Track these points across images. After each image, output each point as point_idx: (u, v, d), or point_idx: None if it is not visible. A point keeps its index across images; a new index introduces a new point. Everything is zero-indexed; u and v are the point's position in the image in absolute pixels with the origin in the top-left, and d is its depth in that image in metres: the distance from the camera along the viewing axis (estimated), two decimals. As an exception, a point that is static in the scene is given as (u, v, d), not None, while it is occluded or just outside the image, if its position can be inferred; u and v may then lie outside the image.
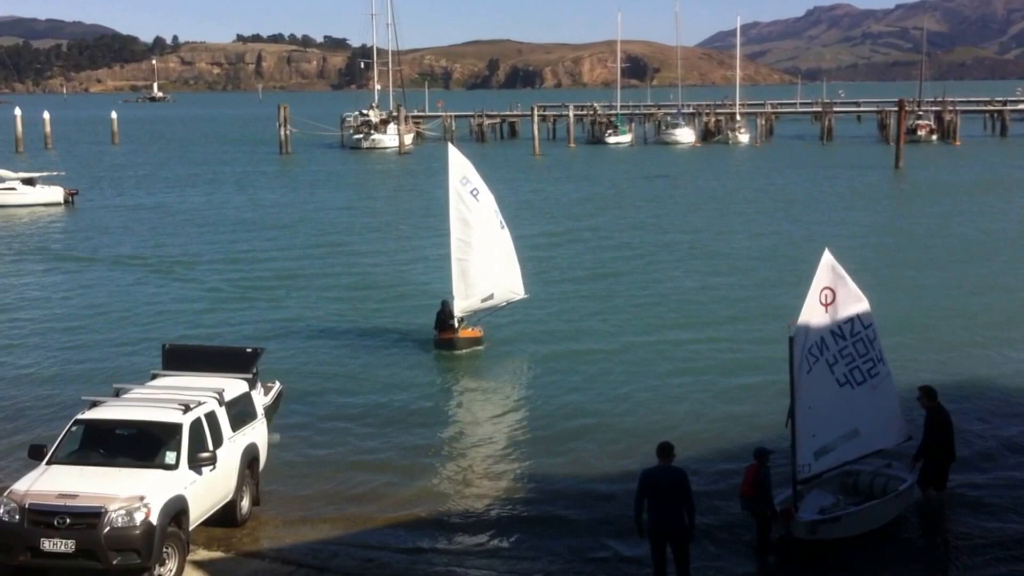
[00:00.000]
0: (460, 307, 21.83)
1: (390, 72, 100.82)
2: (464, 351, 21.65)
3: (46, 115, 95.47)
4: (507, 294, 22.18)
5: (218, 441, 12.75)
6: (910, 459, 13.57)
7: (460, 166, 21.87)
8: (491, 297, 22.01)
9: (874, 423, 13.05)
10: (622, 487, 13.59)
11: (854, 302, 12.94)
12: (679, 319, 24.96)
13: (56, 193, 51.18)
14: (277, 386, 15.98)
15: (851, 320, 12.85)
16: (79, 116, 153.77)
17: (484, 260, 21.70)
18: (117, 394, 13.43)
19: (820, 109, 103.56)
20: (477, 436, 17.27)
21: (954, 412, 16.91)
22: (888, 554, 12.50)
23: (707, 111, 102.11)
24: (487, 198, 21.83)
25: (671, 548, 11.02)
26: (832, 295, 12.69)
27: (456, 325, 21.78)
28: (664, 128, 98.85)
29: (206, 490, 12.35)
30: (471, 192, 21.68)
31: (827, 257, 12.88)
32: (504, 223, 22.09)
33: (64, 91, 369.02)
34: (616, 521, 13.06)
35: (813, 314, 12.59)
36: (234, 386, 13.72)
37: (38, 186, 51.32)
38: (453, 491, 14.73)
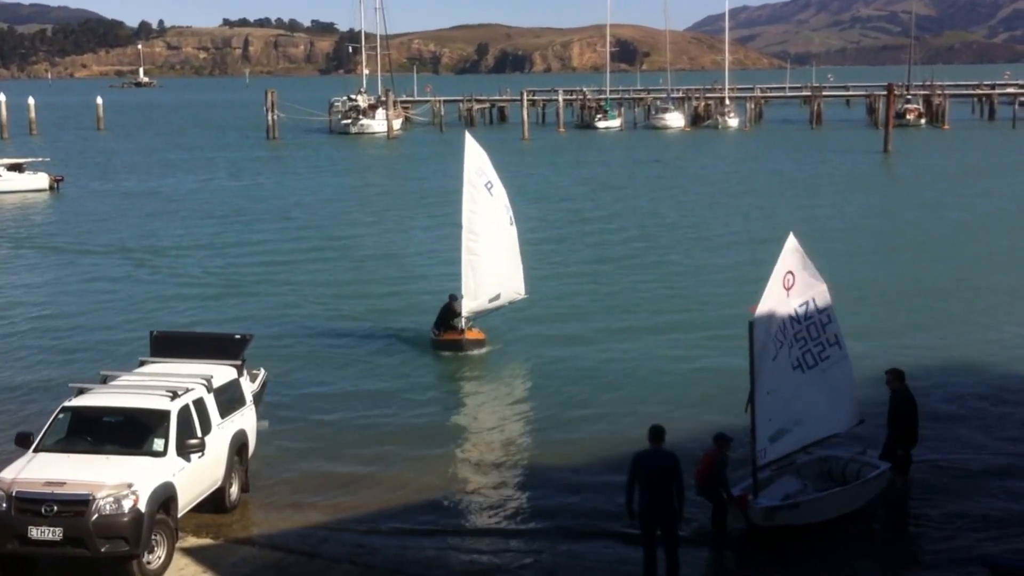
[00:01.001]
0: (468, 307, 20.61)
1: (378, 57, 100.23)
2: (470, 353, 20.43)
3: (31, 101, 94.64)
4: (511, 294, 21.29)
5: (206, 428, 12.70)
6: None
7: (476, 157, 20.60)
8: (497, 297, 20.99)
9: (824, 408, 12.98)
10: (617, 477, 13.58)
11: (812, 286, 12.89)
12: (680, 307, 24.69)
13: (41, 180, 50.82)
14: (262, 373, 15.84)
15: (806, 303, 12.81)
16: (64, 102, 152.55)
17: (493, 258, 20.63)
18: (104, 381, 13.37)
19: (809, 93, 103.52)
20: (468, 424, 17.27)
21: (923, 390, 17.09)
22: (849, 542, 12.35)
23: (697, 95, 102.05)
24: (500, 192, 20.75)
25: (661, 532, 11.04)
26: (793, 279, 12.64)
27: (462, 326, 20.58)
28: (654, 113, 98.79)
29: (195, 477, 12.31)
30: (485, 185, 20.51)
31: (791, 241, 12.77)
32: (514, 219, 21.04)
33: (49, 76, 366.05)
34: (609, 506, 13.06)
35: (777, 298, 12.51)
36: (222, 373, 13.66)
37: (24, 173, 50.92)
38: (443, 477, 14.72)
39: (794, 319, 12.66)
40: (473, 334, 20.67)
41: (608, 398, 17.92)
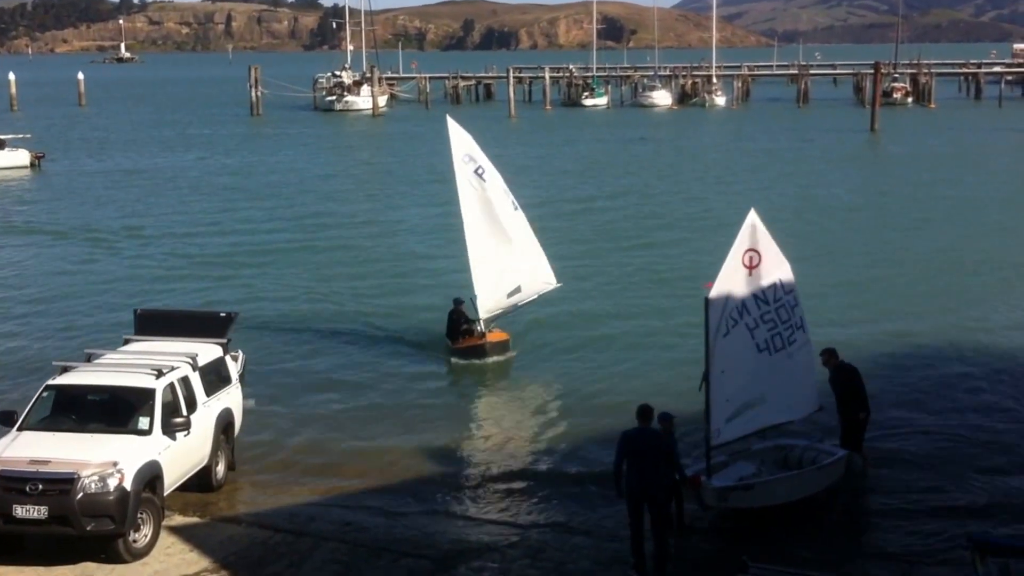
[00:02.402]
0: (486, 307, 18.66)
1: (363, 33, 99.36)
2: (494, 359, 18.59)
3: (11, 76, 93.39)
4: (538, 285, 19.29)
5: (192, 406, 12.64)
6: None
7: (462, 142, 18.70)
8: (518, 290, 19.03)
9: (785, 392, 12.66)
10: (607, 457, 13.59)
11: (777, 266, 12.52)
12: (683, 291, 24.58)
13: (23, 156, 50.29)
14: (241, 355, 15.60)
15: (775, 285, 12.44)
16: (46, 77, 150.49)
17: (502, 249, 18.70)
18: (89, 359, 13.28)
19: (796, 72, 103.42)
20: (458, 405, 17.21)
21: (906, 371, 17.18)
22: (807, 524, 12.33)
23: (684, 73, 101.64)
24: (494, 176, 18.84)
25: (648, 510, 11.09)
26: (757, 257, 12.25)
27: (479, 330, 18.70)
28: (641, 90, 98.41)
29: (181, 455, 12.26)
30: (476, 172, 18.62)
31: (752, 218, 12.39)
32: (517, 203, 19.18)
33: (30, 52, 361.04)
34: (598, 487, 13.04)
35: (736, 276, 12.16)
36: (208, 351, 13.59)
37: (5, 149, 50.35)
38: (432, 457, 14.70)
39: (760, 300, 12.30)
40: (495, 336, 18.85)
41: (604, 383, 17.74)
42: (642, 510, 11.07)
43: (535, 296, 19.42)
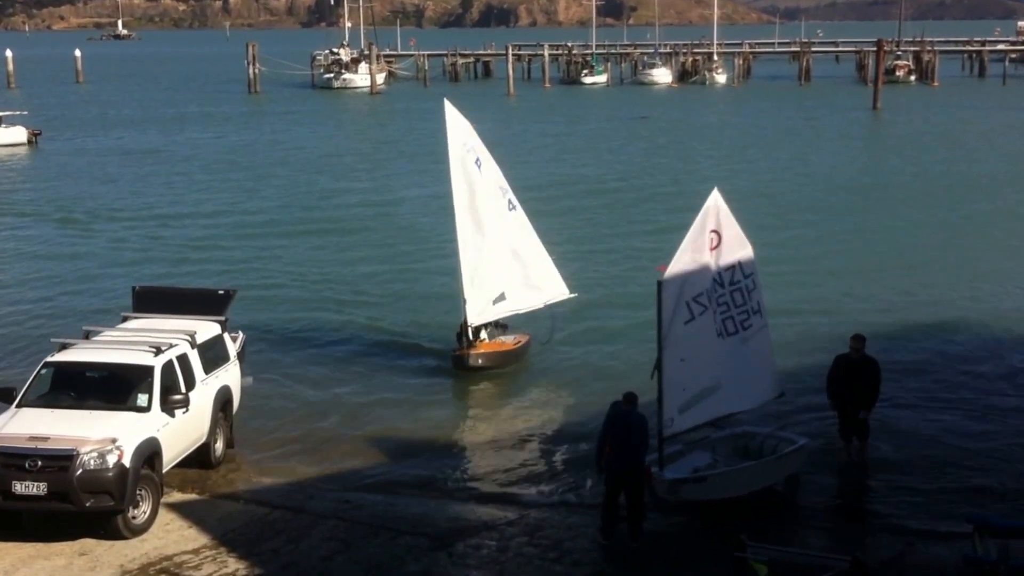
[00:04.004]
0: (472, 312, 17.00)
1: (361, 9, 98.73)
2: (488, 369, 16.91)
3: (8, 53, 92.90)
4: (538, 295, 17.44)
5: (191, 383, 12.62)
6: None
7: (460, 128, 16.79)
8: (503, 298, 17.16)
9: (741, 378, 12.06)
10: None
11: (738, 248, 11.95)
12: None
13: (19, 133, 50.12)
14: (241, 335, 15.48)
15: (732, 267, 11.89)
16: (43, 54, 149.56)
17: (494, 251, 17.01)
18: (87, 336, 13.24)
19: (798, 49, 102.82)
20: (459, 385, 17.12)
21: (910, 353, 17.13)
22: (805, 502, 12.26)
23: (684, 51, 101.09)
24: (491, 171, 17.00)
25: (627, 483, 11.18)
26: (718, 239, 11.71)
27: (469, 339, 17.03)
28: (641, 68, 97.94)
29: (179, 432, 12.26)
30: (475, 162, 16.77)
31: (715, 197, 11.87)
32: (515, 202, 17.34)
33: (27, 29, 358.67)
34: (596, 466, 12.94)
35: (693, 259, 11.58)
36: (206, 328, 13.55)
37: (2, 126, 50.14)
38: (431, 436, 14.70)
39: (717, 283, 11.74)
40: (489, 346, 17.18)
41: (608, 366, 17.60)
42: (618, 489, 11.22)
43: (540, 306, 17.67)
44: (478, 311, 17.04)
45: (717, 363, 11.95)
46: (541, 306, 17.71)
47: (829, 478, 13.02)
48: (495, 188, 17.11)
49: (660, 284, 11.47)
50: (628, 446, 11.12)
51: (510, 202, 17.28)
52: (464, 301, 16.91)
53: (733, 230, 11.99)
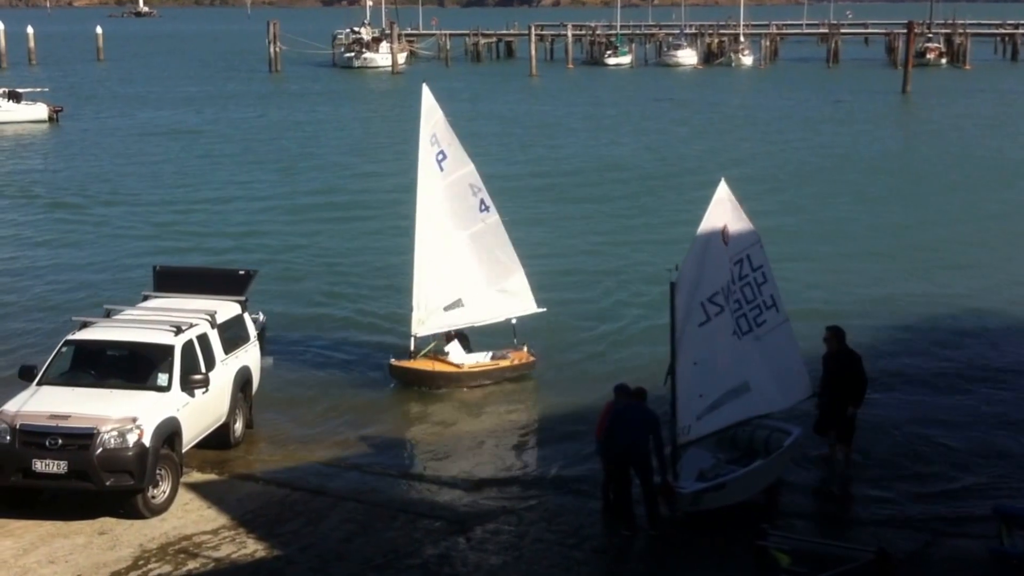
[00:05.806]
0: (418, 319, 15.45)
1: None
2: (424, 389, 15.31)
3: (30, 30, 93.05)
4: (503, 307, 15.79)
5: (211, 363, 12.61)
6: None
7: (431, 119, 15.46)
8: (458, 304, 15.57)
9: (764, 379, 11.51)
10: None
11: (745, 240, 11.43)
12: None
13: (40, 110, 50.29)
14: (261, 316, 15.36)
15: (740, 261, 11.37)
16: (64, 31, 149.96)
17: (450, 254, 15.52)
18: (108, 315, 13.25)
19: (827, 31, 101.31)
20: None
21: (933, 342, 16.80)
22: (828, 494, 12.18)
23: (710, 32, 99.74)
24: (460, 166, 15.52)
25: (634, 469, 11.07)
26: (728, 233, 11.27)
27: (411, 351, 15.49)
28: (665, 49, 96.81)
29: (199, 412, 12.26)
30: (437, 157, 15.40)
31: (723, 189, 11.39)
32: (488, 204, 15.63)
33: (48, 5, 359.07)
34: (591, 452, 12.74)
35: (709, 257, 11.08)
36: (227, 308, 13.53)
37: (23, 103, 50.34)
38: (452, 420, 14.65)
39: (730, 280, 11.26)
40: (427, 364, 15.47)
41: (616, 356, 17.38)
42: (628, 474, 11.07)
43: (502, 319, 15.90)
44: (420, 318, 15.46)
45: (742, 363, 11.44)
46: (503, 319, 15.89)
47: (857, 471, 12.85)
48: (463, 186, 15.52)
49: (673, 285, 10.99)
50: (636, 435, 10.93)
51: (482, 202, 15.59)
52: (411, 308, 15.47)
53: (741, 222, 11.51)
